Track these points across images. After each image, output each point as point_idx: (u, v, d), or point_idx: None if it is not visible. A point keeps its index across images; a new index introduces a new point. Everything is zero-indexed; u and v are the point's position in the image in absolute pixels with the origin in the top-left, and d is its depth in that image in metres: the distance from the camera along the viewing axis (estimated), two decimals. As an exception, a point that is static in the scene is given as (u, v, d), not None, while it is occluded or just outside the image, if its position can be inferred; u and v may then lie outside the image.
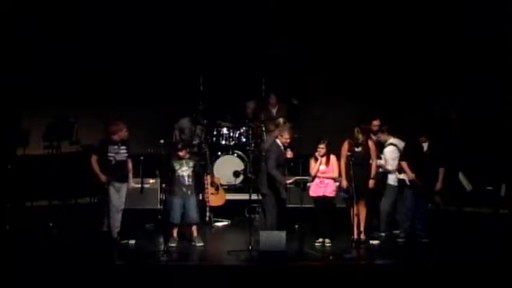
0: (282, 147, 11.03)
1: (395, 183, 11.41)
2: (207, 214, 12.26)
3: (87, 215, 12.23)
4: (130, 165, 11.04)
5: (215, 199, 12.47)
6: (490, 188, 11.95)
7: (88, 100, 13.48)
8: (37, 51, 13.51)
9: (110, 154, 10.81)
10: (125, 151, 10.95)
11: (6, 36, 13.19)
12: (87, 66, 13.69)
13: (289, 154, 11.12)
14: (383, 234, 11.36)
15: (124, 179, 10.96)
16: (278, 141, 11.05)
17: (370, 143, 11.06)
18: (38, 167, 12.80)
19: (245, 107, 14.19)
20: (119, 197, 10.88)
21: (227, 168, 13.42)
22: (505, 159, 12.26)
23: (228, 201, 12.69)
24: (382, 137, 11.60)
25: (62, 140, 12.80)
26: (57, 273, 9.33)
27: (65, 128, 12.88)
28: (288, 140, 11.05)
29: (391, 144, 11.49)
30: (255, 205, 11.87)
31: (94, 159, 10.79)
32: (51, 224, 11.56)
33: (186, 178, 10.91)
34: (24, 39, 13.41)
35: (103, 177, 10.73)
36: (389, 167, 11.39)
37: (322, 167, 10.99)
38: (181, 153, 10.91)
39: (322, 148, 10.93)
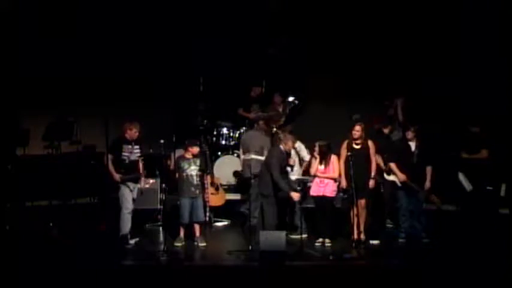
0: (285, 154, 11.14)
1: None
2: (207, 214, 12.25)
3: (87, 215, 12.25)
4: (141, 165, 11.01)
5: (215, 199, 12.47)
6: (490, 188, 11.95)
7: (88, 100, 13.48)
8: (37, 50, 13.51)
9: (124, 153, 10.79)
10: (138, 151, 10.92)
11: (6, 35, 13.20)
12: (88, 66, 13.69)
13: (291, 161, 11.27)
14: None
15: (138, 179, 10.93)
16: (282, 147, 11.12)
17: (370, 143, 11.06)
18: (38, 167, 12.80)
19: (250, 91, 14.13)
20: (131, 197, 10.84)
21: (227, 168, 13.40)
22: (505, 159, 12.26)
23: (228, 201, 12.69)
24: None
25: (62, 140, 12.80)
26: (57, 273, 9.34)
27: (65, 128, 12.89)
28: (292, 148, 11.23)
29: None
30: (244, 210, 11.99)
31: (109, 158, 10.69)
32: (51, 224, 11.56)
33: (195, 178, 10.95)
34: (24, 38, 13.42)
35: (117, 177, 10.68)
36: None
37: (321, 167, 11.01)
38: (192, 150, 10.93)
39: (315, 147, 10.98)
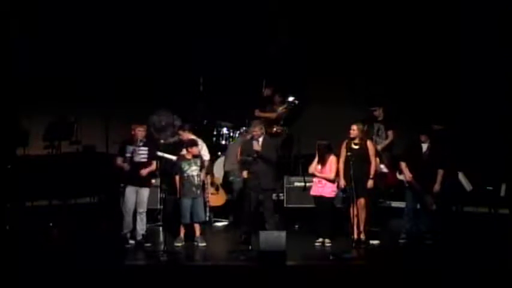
0: (250, 139, 11.27)
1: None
2: (207, 214, 12.26)
3: (87, 215, 12.25)
4: (153, 166, 10.90)
5: (215, 199, 12.49)
6: (490, 188, 11.95)
7: (88, 100, 13.47)
8: (37, 50, 13.51)
9: (127, 155, 10.75)
10: (144, 152, 10.85)
11: (4, 35, 13.21)
12: (87, 66, 13.69)
13: (255, 146, 11.16)
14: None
15: (143, 182, 10.83)
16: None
17: (369, 143, 11.06)
18: (38, 167, 12.80)
19: (261, 91, 14.06)
20: (136, 200, 10.77)
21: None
22: (505, 159, 12.27)
23: (228, 201, 12.69)
24: (184, 135, 11.58)
25: (62, 140, 12.80)
26: (57, 273, 9.34)
27: (65, 128, 12.89)
28: (255, 133, 11.21)
29: None
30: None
31: (117, 159, 10.75)
32: (51, 224, 11.56)
33: (196, 178, 10.95)
34: (24, 38, 13.42)
35: (125, 165, 10.66)
36: None
37: (319, 166, 11.01)
38: (192, 151, 10.93)
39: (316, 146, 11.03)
